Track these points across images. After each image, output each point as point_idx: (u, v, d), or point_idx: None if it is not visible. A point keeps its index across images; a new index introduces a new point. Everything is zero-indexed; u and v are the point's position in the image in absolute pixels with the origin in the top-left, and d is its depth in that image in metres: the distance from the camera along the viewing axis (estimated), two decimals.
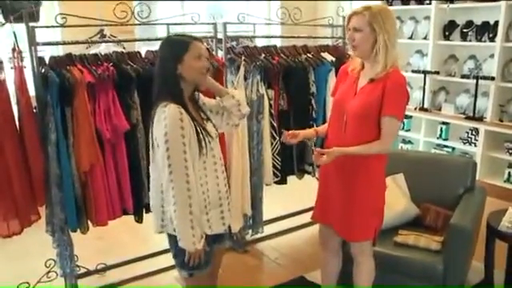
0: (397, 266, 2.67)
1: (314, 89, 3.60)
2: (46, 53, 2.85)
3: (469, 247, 2.65)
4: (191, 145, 1.95)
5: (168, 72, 2.00)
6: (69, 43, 2.77)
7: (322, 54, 3.71)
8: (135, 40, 3.57)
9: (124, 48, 4.12)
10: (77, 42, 2.82)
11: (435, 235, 2.78)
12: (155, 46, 3.68)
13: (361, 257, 2.41)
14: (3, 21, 3.26)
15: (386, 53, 2.15)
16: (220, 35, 3.32)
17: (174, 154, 1.89)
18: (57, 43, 2.79)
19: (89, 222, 2.84)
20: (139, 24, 3.04)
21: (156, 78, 2.05)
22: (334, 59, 3.67)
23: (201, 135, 1.99)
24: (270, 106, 3.41)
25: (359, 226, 2.30)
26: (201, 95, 2.22)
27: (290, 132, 2.34)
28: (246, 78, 3.30)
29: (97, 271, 3.22)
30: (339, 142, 2.23)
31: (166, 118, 1.89)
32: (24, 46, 2.62)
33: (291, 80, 3.49)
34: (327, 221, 2.44)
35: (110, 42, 3.83)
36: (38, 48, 2.63)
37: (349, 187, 2.28)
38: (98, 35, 4.54)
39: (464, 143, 5.18)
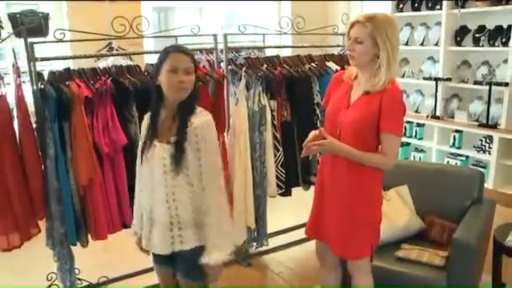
0: (398, 281, 2.57)
1: (318, 99, 3.54)
2: (57, 67, 2.87)
3: (474, 263, 2.54)
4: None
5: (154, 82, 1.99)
6: (67, 58, 2.79)
7: (327, 63, 3.66)
8: (138, 53, 3.58)
9: (132, 60, 4.15)
10: (75, 57, 2.83)
11: (440, 250, 2.68)
12: None
13: (358, 274, 2.32)
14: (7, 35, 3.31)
15: (387, 68, 2.05)
16: (221, 46, 3.31)
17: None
18: (55, 58, 2.79)
19: (89, 236, 2.85)
20: (141, 37, 3.05)
21: None
22: (338, 68, 3.60)
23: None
24: (273, 117, 3.37)
25: (354, 243, 2.22)
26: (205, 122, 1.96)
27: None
28: (248, 89, 3.28)
29: (98, 285, 3.21)
30: (333, 156, 2.17)
31: None
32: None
33: (294, 90, 3.44)
34: (321, 236, 2.37)
35: (112, 55, 3.85)
36: (49, 63, 2.65)
37: (343, 202, 2.20)
38: (107, 48, 4.60)
39: (478, 151, 5.04)
